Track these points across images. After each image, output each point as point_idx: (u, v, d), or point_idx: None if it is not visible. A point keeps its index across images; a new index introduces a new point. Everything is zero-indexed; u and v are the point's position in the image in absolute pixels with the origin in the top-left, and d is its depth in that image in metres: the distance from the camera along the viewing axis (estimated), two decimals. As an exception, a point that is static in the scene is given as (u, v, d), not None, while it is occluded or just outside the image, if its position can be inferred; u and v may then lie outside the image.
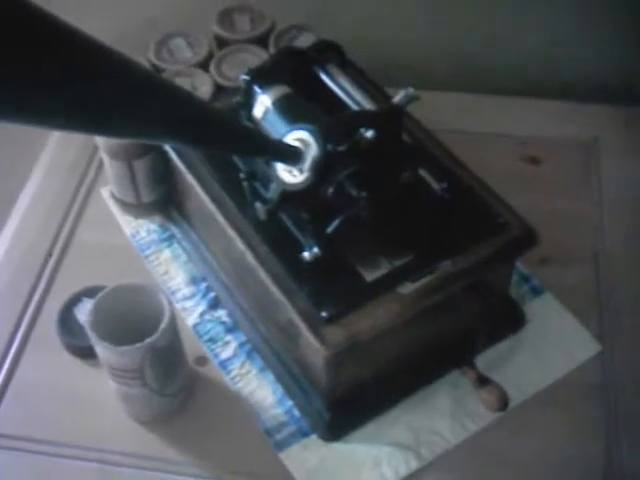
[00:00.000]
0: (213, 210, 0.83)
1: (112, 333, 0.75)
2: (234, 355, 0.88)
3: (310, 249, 0.74)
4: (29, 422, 0.84)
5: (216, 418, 0.84)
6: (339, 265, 0.76)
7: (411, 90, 0.76)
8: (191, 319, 0.91)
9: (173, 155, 0.89)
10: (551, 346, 0.88)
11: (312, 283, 0.75)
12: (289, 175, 0.73)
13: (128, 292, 0.79)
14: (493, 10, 1.12)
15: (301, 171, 0.72)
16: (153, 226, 1.01)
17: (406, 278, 0.75)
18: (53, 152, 1.12)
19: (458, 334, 0.82)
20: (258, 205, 0.78)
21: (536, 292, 0.93)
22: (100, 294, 0.77)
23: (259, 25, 1.06)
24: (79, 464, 0.81)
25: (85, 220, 1.03)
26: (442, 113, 1.01)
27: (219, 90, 0.99)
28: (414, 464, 0.80)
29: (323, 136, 0.70)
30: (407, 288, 0.75)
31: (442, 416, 0.83)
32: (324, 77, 0.85)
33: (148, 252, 0.98)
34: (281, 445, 0.81)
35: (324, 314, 0.73)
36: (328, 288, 0.75)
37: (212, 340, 0.90)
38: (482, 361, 0.84)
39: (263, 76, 0.81)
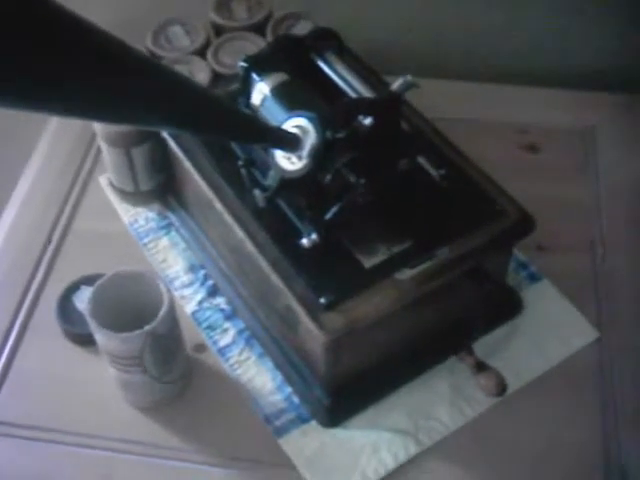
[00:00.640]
0: (211, 197, 0.83)
1: (111, 321, 0.75)
2: (233, 342, 0.88)
3: (309, 236, 0.75)
4: (28, 410, 0.85)
5: (215, 405, 0.84)
6: (337, 251, 0.76)
7: (409, 77, 0.76)
8: (190, 307, 0.92)
9: (171, 142, 0.89)
10: (548, 332, 0.88)
11: (311, 270, 0.75)
12: (288, 162, 0.73)
13: (127, 280, 0.79)
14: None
15: (300, 158, 0.72)
16: (151, 214, 1.01)
17: (404, 264, 0.76)
18: (51, 140, 1.12)
19: (456, 320, 0.83)
20: (257, 192, 0.78)
21: (533, 279, 0.93)
22: (99, 281, 0.78)
23: (256, 13, 1.05)
24: (78, 451, 0.82)
25: (83, 208, 1.03)
26: (440, 101, 1.01)
27: (216, 78, 0.99)
28: (413, 449, 0.80)
29: (322, 123, 0.71)
30: (405, 274, 0.75)
31: (440, 402, 0.83)
32: (322, 64, 0.85)
33: (146, 240, 0.98)
34: (280, 431, 0.82)
35: (323, 300, 0.73)
36: (327, 274, 0.75)
37: (211, 327, 0.90)
38: (480, 347, 0.84)
39: (261, 63, 0.81)
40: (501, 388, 0.79)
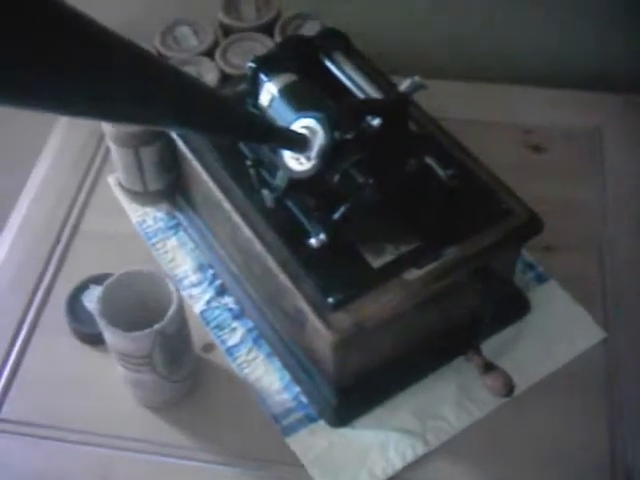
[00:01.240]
0: (220, 197, 0.84)
1: (120, 320, 0.75)
2: (241, 342, 0.89)
3: (317, 236, 0.75)
4: (38, 408, 0.85)
5: (223, 404, 0.85)
6: (346, 252, 0.77)
7: (417, 78, 0.77)
8: (198, 306, 0.92)
9: (180, 143, 0.89)
10: (555, 333, 0.88)
11: (319, 269, 0.76)
12: (296, 163, 0.73)
13: (136, 279, 0.79)
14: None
15: (308, 159, 0.72)
16: (160, 214, 1.01)
17: (412, 264, 0.76)
18: (59, 140, 1.12)
19: (464, 320, 0.83)
20: (265, 193, 0.79)
21: (541, 279, 0.93)
22: (108, 280, 0.78)
23: (265, 13, 1.06)
24: (87, 450, 0.82)
25: (92, 208, 1.03)
26: (446, 101, 1.01)
27: (225, 78, 0.99)
28: (420, 449, 0.80)
29: (330, 124, 0.71)
30: (413, 274, 0.75)
31: (448, 402, 0.83)
32: (330, 65, 0.85)
33: (155, 240, 0.99)
34: (288, 430, 0.82)
35: (331, 300, 0.73)
36: (335, 274, 0.76)
37: (219, 327, 0.90)
38: (487, 347, 0.84)
39: (269, 64, 0.81)
40: (509, 388, 0.79)
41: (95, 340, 0.86)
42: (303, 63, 0.83)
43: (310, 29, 1.02)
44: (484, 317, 0.82)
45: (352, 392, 0.81)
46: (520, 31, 1.15)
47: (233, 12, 1.06)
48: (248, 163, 0.82)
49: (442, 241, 0.78)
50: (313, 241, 0.75)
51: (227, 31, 1.06)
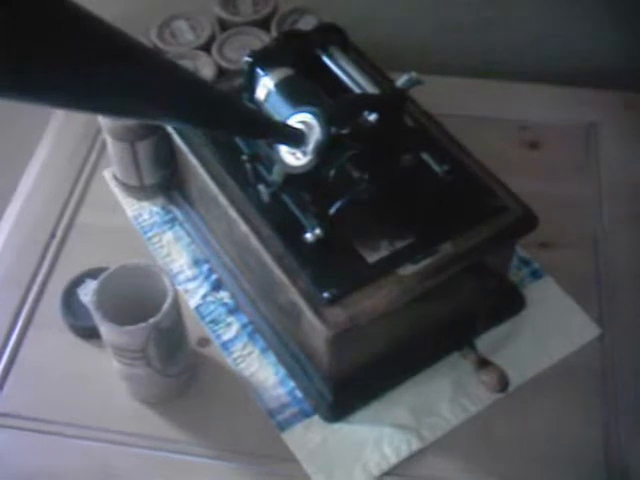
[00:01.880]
0: (216, 192, 0.84)
1: (115, 314, 0.75)
2: (236, 336, 0.89)
3: (312, 230, 0.75)
4: (33, 402, 0.85)
5: (218, 399, 0.85)
6: (341, 246, 0.77)
7: (414, 74, 0.77)
8: (193, 301, 0.92)
9: (176, 137, 0.89)
10: (551, 329, 0.88)
11: (314, 264, 0.76)
12: (292, 158, 0.73)
13: (131, 273, 0.79)
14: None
15: (304, 154, 0.72)
16: (155, 208, 1.01)
17: (407, 260, 0.76)
18: (55, 134, 1.12)
19: (459, 316, 0.83)
20: (261, 188, 0.79)
21: (536, 276, 0.93)
22: (104, 274, 0.78)
23: (261, 8, 1.06)
24: (83, 444, 0.82)
25: (87, 202, 1.03)
26: (443, 97, 1.01)
27: (221, 72, 0.99)
28: (415, 445, 0.80)
29: (327, 119, 0.71)
30: (408, 270, 0.75)
31: (443, 398, 0.83)
32: (326, 60, 0.85)
33: (150, 234, 0.99)
34: (283, 425, 0.82)
35: (326, 295, 0.73)
36: (330, 269, 0.76)
37: (214, 321, 0.90)
38: (482, 344, 0.85)
39: (266, 58, 0.81)
40: (503, 384, 0.79)
41: (90, 334, 0.86)
42: (300, 58, 0.83)
43: (307, 24, 1.02)
44: (479, 313, 0.83)
45: (347, 387, 0.81)
46: (516, 28, 1.16)
47: (230, 6, 1.06)
48: (244, 158, 0.82)
49: (437, 237, 0.78)
50: (308, 236, 0.75)
51: (224, 25, 1.06)
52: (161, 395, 0.84)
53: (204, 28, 1.04)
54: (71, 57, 0.45)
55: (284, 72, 0.80)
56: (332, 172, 0.73)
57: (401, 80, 0.77)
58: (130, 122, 0.91)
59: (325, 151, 0.71)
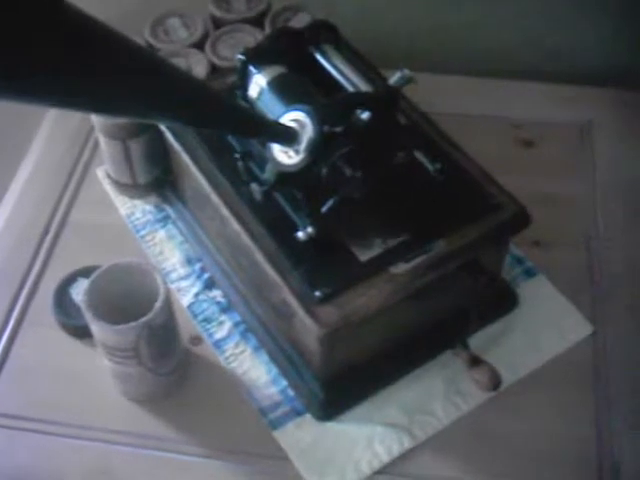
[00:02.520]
0: (208, 190, 0.83)
1: (107, 312, 0.75)
2: (228, 335, 0.89)
3: (304, 229, 0.75)
4: (24, 401, 0.85)
5: (210, 397, 0.84)
6: (333, 245, 0.77)
7: (407, 72, 0.76)
8: (186, 299, 0.92)
9: (169, 135, 0.89)
10: (543, 327, 0.88)
11: (306, 263, 0.76)
12: (285, 156, 0.73)
13: (123, 271, 0.79)
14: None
15: (297, 152, 0.72)
16: (148, 207, 1.01)
17: (400, 258, 0.76)
18: (48, 132, 1.11)
19: (451, 314, 0.83)
20: (254, 186, 0.79)
21: (529, 274, 0.93)
22: (95, 273, 0.78)
23: (255, 5, 1.05)
24: (74, 443, 0.82)
25: (80, 200, 1.03)
26: (437, 95, 1.01)
27: (214, 70, 0.99)
28: (407, 443, 0.80)
29: (319, 117, 0.70)
30: (400, 268, 0.75)
31: (435, 396, 0.83)
32: (319, 57, 0.85)
33: (143, 232, 0.98)
34: (275, 424, 0.82)
35: (318, 294, 0.73)
36: (322, 268, 0.75)
37: (207, 320, 0.90)
38: (475, 342, 0.84)
39: (259, 56, 0.81)
40: (495, 383, 0.79)
41: (83, 333, 0.85)
42: (293, 55, 0.83)
43: (300, 21, 1.02)
44: (472, 311, 0.82)
45: (339, 386, 0.81)
46: (511, 26, 1.15)
47: (223, 4, 1.06)
48: (237, 156, 0.82)
49: (430, 235, 0.77)
50: (301, 234, 0.75)
51: (217, 23, 1.05)
52: (153, 394, 0.84)
53: (197, 26, 1.04)
54: (66, 59, 0.44)
55: (277, 70, 0.80)
56: (324, 170, 0.73)
57: (394, 78, 0.77)
58: (123, 120, 0.91)
59: (318, 150, 0.71)
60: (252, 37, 1.02)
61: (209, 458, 0.81)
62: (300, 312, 0.73)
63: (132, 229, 0.99)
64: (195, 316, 0.90)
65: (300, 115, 0.72)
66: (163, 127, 0.90)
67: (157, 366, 0.80)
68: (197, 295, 0.92)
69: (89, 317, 0.75)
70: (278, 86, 0.78)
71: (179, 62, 0.99)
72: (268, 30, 1.03)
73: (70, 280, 0.91)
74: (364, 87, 0.80)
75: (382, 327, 0.79)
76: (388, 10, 1.15)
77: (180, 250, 0.96)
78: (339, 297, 0.73)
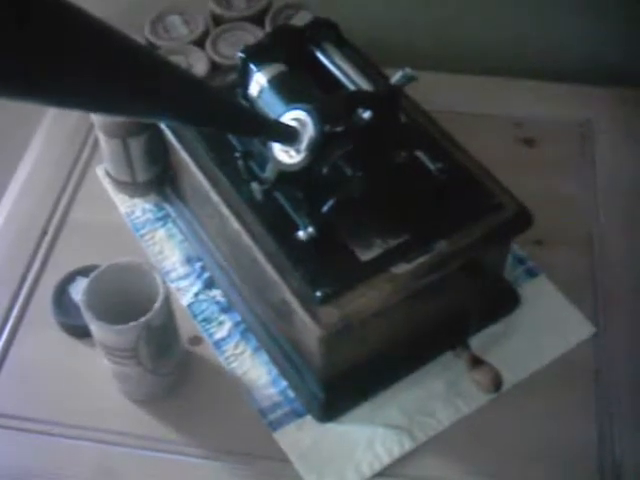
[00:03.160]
0: (208, 189, 0.83)
1: (106, 312, 0.75)
2: (228, 335, 0.88)
3: (305, 229, 0.74)
4: (24, 401, 0.84)
5: (210, 398, 0.84)
6: (334, 245, 0.76)
7: (409, 70, 0.76)
8: (186, 299, 0.91)
9: (169, 133, 0.88)
10: (545, 328, 0.88)
11: (307, 263, 0.75)
12: (286, 155, 0.72)
13: (122, 271, 0.79)
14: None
15: (298, 151, 0.71)
16: (148, 205, 1.01)
17: (401, 258, 0.75)
18: (48, 130, 1.11)
19: (452, 315, 0.82)
20: (254, 185, 0.78)
21: (531, 274, 0.93)
22: (94, 273, 0.77)
23: (255, 3, 1.05)
24: (74, 443, 0.81)
25: (80, 199, 1.02)
26: (438, 94, 1.01)
27: (215, 68, 0.99)
28: (408, 445, 0.80)
29: (320, 116, 0.70)
30: (402, 268, 0.75)
31: (436, 397, 0.83)
32: (320, 56, 0.84)
33: (143, 231, 0.98)
34: (275, 425, 0.81)
35: (318, 294, 0.73)
36: (323, 268, 0.75)
37: (207, 320, 0.89)
38: (476, 342, 0.84)
39: (259, 54, 0.80)
40: (496, 384, 0.78)
41: (82, 333, 0.85)
42: (293, 53, 0.83)
43: (301, 19, 1.02)
44: (473, 312, 0.82)
45: (339, 387, 0.81)
46: (511, 24, 1.15)
47: (224, 1, 1.05)
48: (237, 155, 0.81)
49: (431, 235, 0.77)
50: (301, 234, 0.74)
51: (218, 21, 1.05)
52: (152, 394, 0.83)
53: (198, 23, 1.04)
54: (64, 59, 0.44)
55: (277, 68, 0.79)
56: (325, 169, 0.72)
57: (396, 77, 0.77)
58: (122, 119, 0.90)
59: (319, 149, 0.70)
60: (253, 35, 1.01)
61: (209, 459, 0.80)
62: (300, 312, 0.73)
63: (132, 228, 0.98)
64: (195, 316, 0.90)
65: (301, 114, 0.71)
66: (163, 125, 0.89)
67: (156, 366, 0.80)
68: (197, 295, 0.92)
69: (88, 317, 0.75)
70: (279, 84, 0.78)
71: (179, 60, 0.98)
72: (269, 28, 1.02)
73: (69, 279, 0.91)
74: (365, 86, 0.80)
75: (383, 328, 0.79)
76: (389, 9, 1.14)
77: (180, 249, 0.96)
78: (340, 297, 0.73)
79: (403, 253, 0.76)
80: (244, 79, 0.81)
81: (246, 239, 0.78)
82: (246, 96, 0.81)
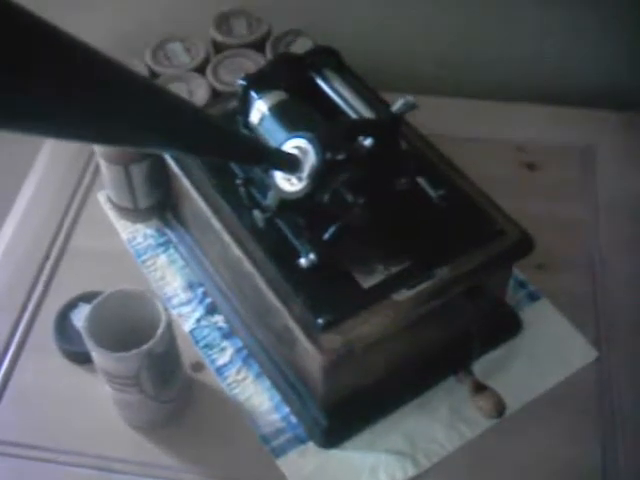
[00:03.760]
0: (209, 215, 0.83)
1: (108, 339, 0.75)
2: (230, 361, 0.88)
3: (307, 256, 0.74)
4: (26, 428, 0.84)
5: (213, 424, 0.84)
6: (336, 272, 0.76)
7: (410, 98, 0.76)
8: (187, 325, 0.91)
9: (170, 160, 0.89)
10: (547, 352, 0.88)
11: (309, 290, 0.75)
12: (287, 183, 0.73)
13: (124, 298, 0.79)
14: (492, 15, 1.12)
15: (299, 179, 0.71)
16: (150, 231, 1.01)
17: (403, 285, 0.75)
18: (49, 156, 1.11)
19: (455, 340, 0.82)
20: (256, 213, 0.78)
21: (533, 298, 0.93)
22: (96, 300, 0.77)
23: (256, 30, 1.06)
24: (76, 470, 0.81)
25: (81, 225, 1.02)
26: (439, 118, 1.01)
27: (216, 95, 0.99)
28: (411, 471, 0.79)
29: (322, 144, 0.70)
30: (403, 295, 0.75)
31: (439, 423, 0.83)
32: (321, 83, 0.85)
33: (144, 257, 0.98)
34: (278, 452, 0.81)
35: (320, 321, 0.73)
36: (325, 295, 0.75)
37: (208, 346, 0.89)
38: (478, 367, 0.84)
39: (260, 81, 0.81)
40: (500, 410, 0.78)
41: (84, 359, 0.85)
42: (294, 81, 0.83)
43: (301, 46, 1.02)
44: (475, 337, 0.82)
45: (342, 413, 0.81)
46: (514, 48, 1.15)
47: (224, 28, 1.06)
48: (238, 182, 0.82)
49: (433, 261, 0.77)
50: (303, 261, 0.74)
51: (218, 48, 1.05)
52: (154, 421, 0.83)
53: (199, 50, 1.04)
54: (63, 91, 0.44)
55: (278, 96, 0.80)
56: (327, 197, 0.72)
57: (397, 105, 0.77)
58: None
59: (320, 177, 0.70)
60: (253, 62, 1.01)
61: (211, 486, 0.80)
62: (302, 339, 0.73)
63: (133, 254, 0.99)
64: (197, 342, 0.90)
65: (302, 142, 0.71)
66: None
67: (158, 394, 0.79)
68: (199, 320, 0.92)
69: (90, 344, 0.74)
70: (280, 112, 0.78)
71: (180, 87, 0.99)
72: (269, 55, 1.03)
73: (71, 306, 0.91)
74: (366, 113, 0.80)
75: (385, 354, 0.79)
76: (389, 35, 1.15)
77: (181, 275, 0.96)
78: (342, 324, 0.73)
79: (405, 280, 0.76)
80: (245, 107, 0.81)
81: (248, 266, 0.78)
82: (247, 124, 0.81)
